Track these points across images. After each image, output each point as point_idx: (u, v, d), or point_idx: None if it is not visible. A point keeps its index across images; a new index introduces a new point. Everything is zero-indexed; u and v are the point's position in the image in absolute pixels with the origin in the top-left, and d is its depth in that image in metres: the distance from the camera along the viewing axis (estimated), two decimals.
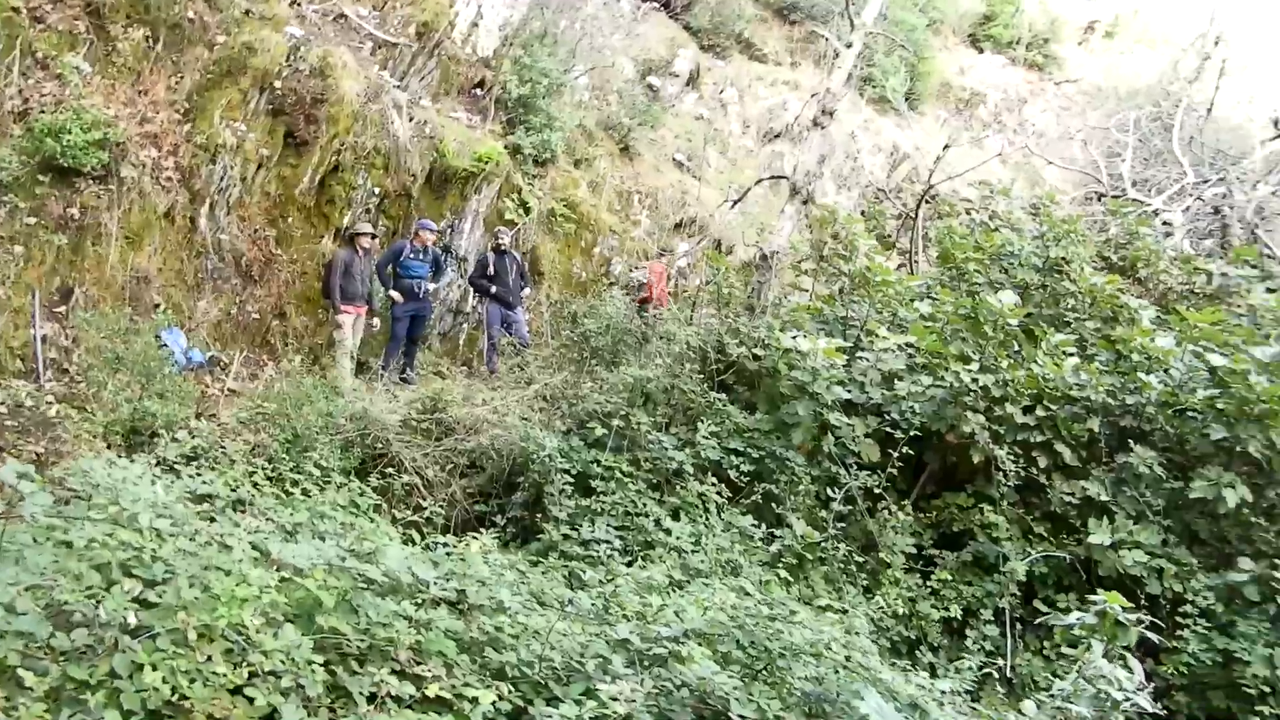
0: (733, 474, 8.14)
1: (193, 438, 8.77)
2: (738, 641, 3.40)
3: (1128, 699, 3.10)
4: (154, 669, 2.96)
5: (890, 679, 3.44)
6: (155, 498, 4.32)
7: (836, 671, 3.39)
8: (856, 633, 5.60)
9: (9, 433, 8.76)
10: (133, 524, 3.87)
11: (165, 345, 10.02)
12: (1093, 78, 25.95)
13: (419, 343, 11.70)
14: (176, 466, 6.67)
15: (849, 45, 10.19)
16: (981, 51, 25.14)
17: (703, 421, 8.37)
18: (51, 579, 3.34)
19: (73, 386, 9.75)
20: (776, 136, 17.86)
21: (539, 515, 8.05)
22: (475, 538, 6.89)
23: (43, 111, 10.39)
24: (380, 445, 8.70)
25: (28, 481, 3.23)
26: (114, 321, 9.34)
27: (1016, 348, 8.68)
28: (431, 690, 2.96)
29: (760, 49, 19.63)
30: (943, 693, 3.55)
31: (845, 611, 6.83)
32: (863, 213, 11.57)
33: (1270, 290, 10.27)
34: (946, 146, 10.43)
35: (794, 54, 20.12)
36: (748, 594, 4.31)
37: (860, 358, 8.62)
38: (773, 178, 12.65)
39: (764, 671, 3.33)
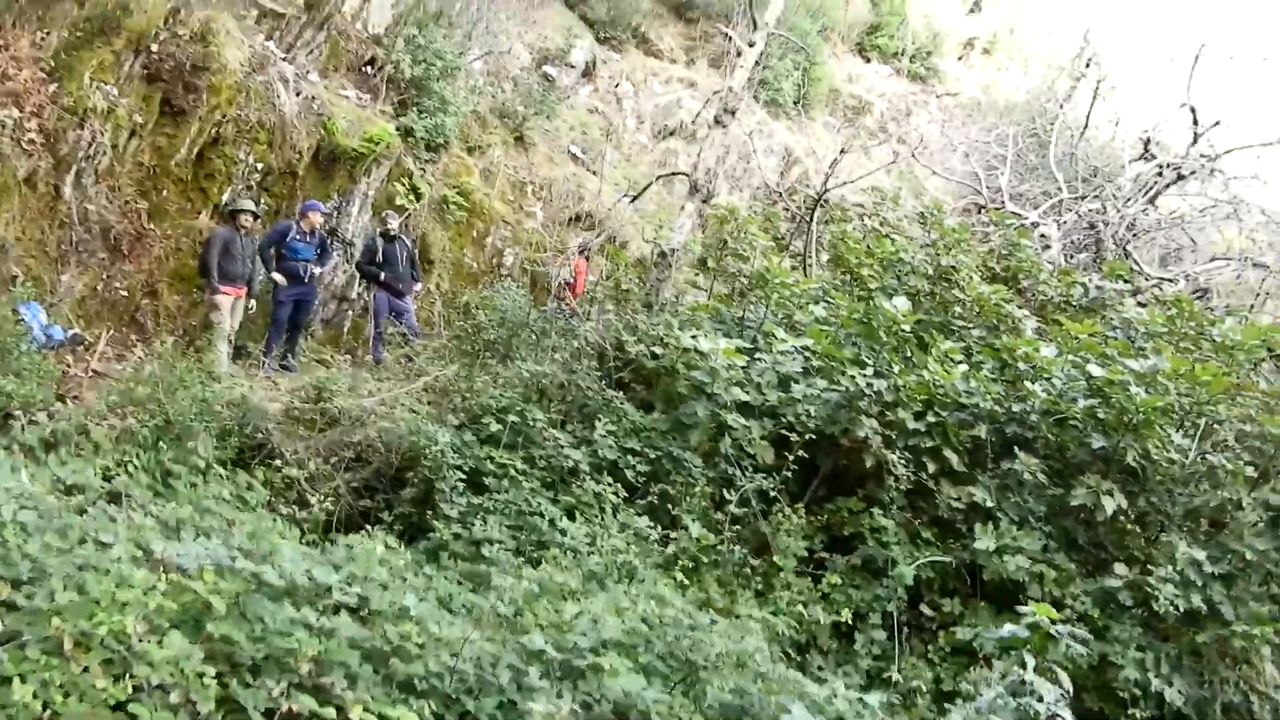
0: (629, 474, 8.02)
1: (52, 420, 8.20)
2: (657, 652, 3.27)
3: (1052, 713, 3.12)
4: (23, 681, 2.65)
5: (816, 692, 3.36)
6: (19, 487, 3.95)
7: (757, 682, 3.30)
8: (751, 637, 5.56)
9: None
10: None
11: (22, 320, 9.30)
12: (972, 92, 26.86)
13: (302, 329, 11.20)
14: (35, 452, 6.19)
15: (751, 45, 10.20)
16: (869, 61, 25.69)
17: (600, 419, 8.23)
18: None
19: None
20: (671, 134, 17.84)
21: (429, 512, 7.77)
22: (366, 535, 6.61)
23: None
24: (260, 435, 8.26)
25: None
26: None
27: (908, 354, 8.82)
28: (355, 713, 2.73)
29: (656, 45, 19.58)
30: (864, 704, 3.49)
31: (738, 616, 6.82)
32: (756, 214, 11.60)
33: (1140, 305, 10.75)
34: (843, 151, 10.56)
35: (690, 52, 20.14)
36: (664, 601, 4.19)
37: (757, 359, 8.62)
38: (673, 174, 12.58)
39: (683, 684, 3.21)
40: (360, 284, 12.47)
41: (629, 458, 8.17)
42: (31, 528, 3.54)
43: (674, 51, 19.83)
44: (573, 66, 17.30)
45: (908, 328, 8.66)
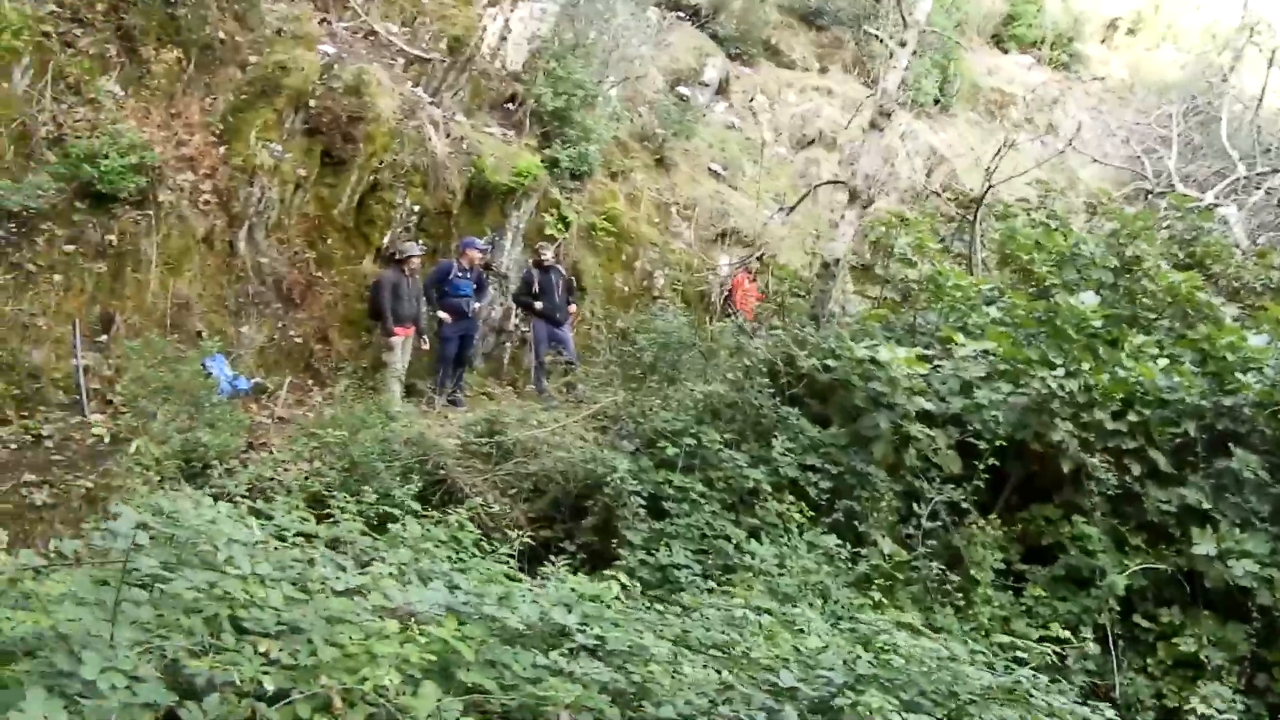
0: (811, 491, 7.78)
1: (246, 469, 8.51)
2: (921, 689, 3.05)
3: None
4: None
5: None
6: (248, 536, 4.01)
7: (1030, 715, 3.04)
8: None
9: (57, 467, 8.48)
10: (231, 569, 3.55)
11: (210, 373, 9.72)
12: (1119, 74, 25.59)
13: (466, 364, 11.39)
14: (241, 501, 6.35)
15: (903, 44, 9.88)
16: (1006, 52, 24.80)
17: (776, 437, 8.02)
18: (159, 635, 3.03)
19: (118, 417, 9.47)
20: (810, 143, 17.55)
21: (611, 540, 7.72)
22: (551, 565, 6.55)
23: (78, 137, 10.16)
24: (440, 471, 8.38)
25: (143, 532, 2.90)
26: (160, 349, 9.05)
27: (1099, 351, 8.31)
28: None
29: (788, 56, 19.35)
30: None
31: (940, 632, 6.48)
32: (918, 217, 11.19)
33: None
34: (1010, 145, 10.08)
35: (823, 59, 19.83)
36: (918, 631, 3.95)
37: (937, 366, 8.27)
38: (830, 182, 12.32)
39: None
40: (517, 315, 12.62)
41: (809, 475, 7.94)
42: (269, 579, 3.55)
43: (806, 60, 19.56)
44: (706, 85, 17.24)
45: (1098, 323, 8.16)
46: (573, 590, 3.57)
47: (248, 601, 3.40)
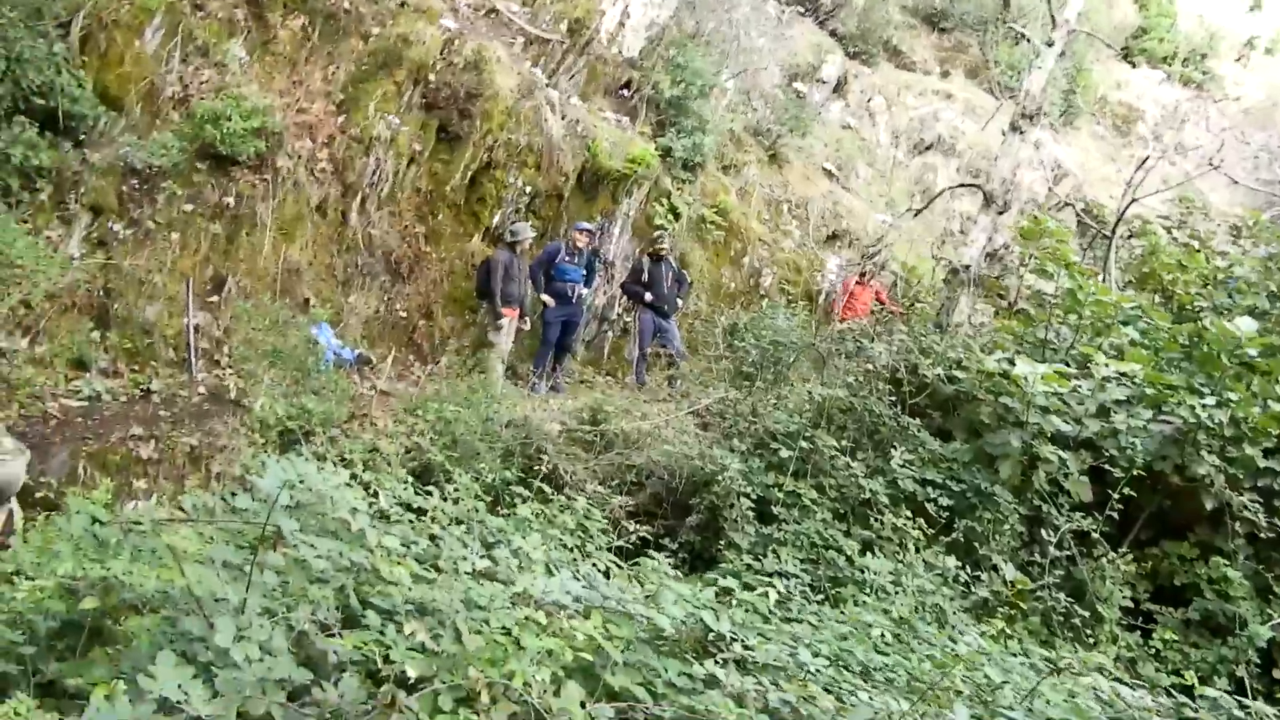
0: (930, 508, 7.36)
1: (347, 438, 8.41)
2: None
3: None
4: None
5: None
6: (369, 509, 3.81)
7: None
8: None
9: (163, 422, 8.50)
10: (359, 542, 3.34)
11: (316, 341, 9.68)
12: (1255, 95, 24.36)
13: (568, 350, 11.19)
14: (344, 470, 6.21)
15: (1049, 44, 9.35)
16: (1135, 66, 23.79)
17: (895, 448, 7.62)
18: (285, 604, 2.82)
19: (224, 378, 9.49)
20: (928, 148, 16.99)
21: (715, 541, 7.41)
22: (652, 560, 6.26)
23: (202, 99, 10.22)
24: (542, 456, 8.17)
25: (286, 494, 2.69)
26: (270, 314, 9.02)
27: (1252, 383, 7.72)
28: None
29: (909, 57, 18.79)
30: None
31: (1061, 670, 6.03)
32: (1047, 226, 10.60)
33: None
34: (1157, 158, 9.49)
35: (944, 63, 19.21)
36: (1103, 670, 3.58)
37: (1075, 386, 7.77)
38: (963, 186, 11.82)
39: None
40: (621, 305, 12.38)
41: (928, 490, 7.52)
42: (395, 554, 3.33)
43: (927, 63, 18.96)
44: (824, 82, 16.79)
45: (1253, 352, 7.57)
46: (724, 593, 3.27)
47: (373, 575, 3.19)
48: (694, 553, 7.57)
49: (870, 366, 7.93)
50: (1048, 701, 2.92)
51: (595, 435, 8.47)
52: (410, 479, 6.10)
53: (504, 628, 2.71)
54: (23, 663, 2.79)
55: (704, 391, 9.60)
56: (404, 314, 11.04)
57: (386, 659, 2.32)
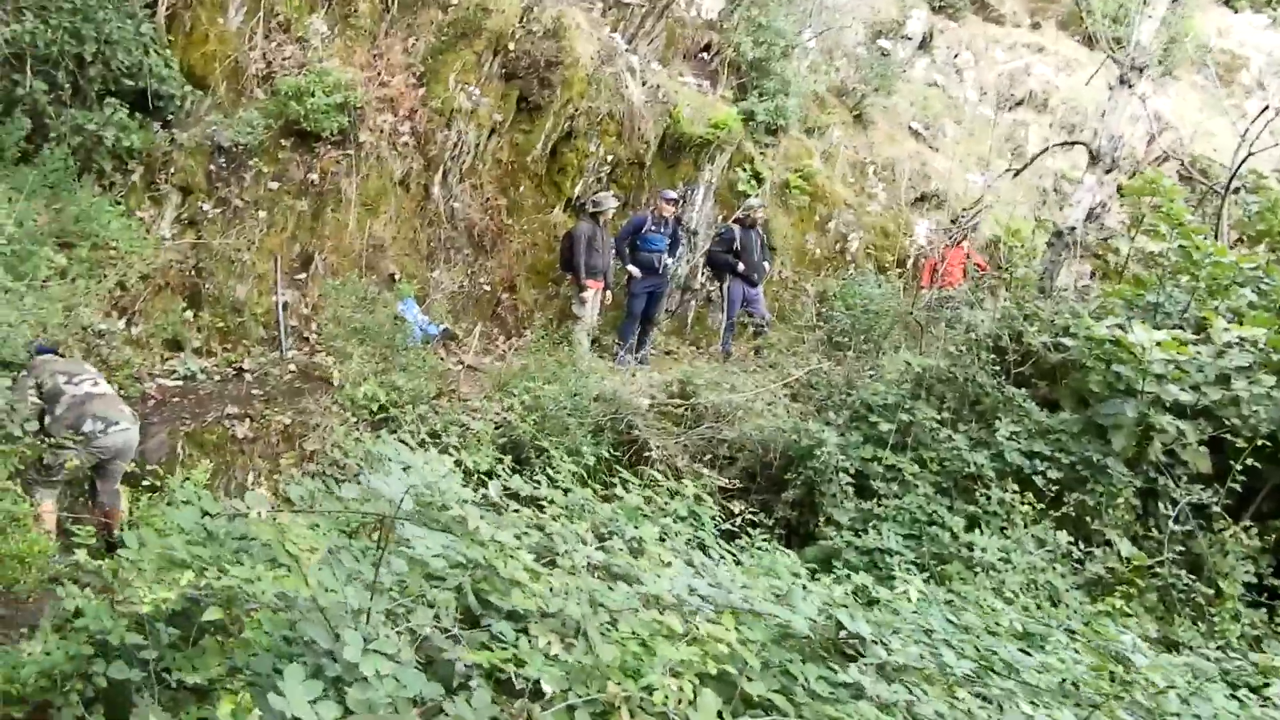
0: (1038, 481, 7.06)
1: (437, 415, 8.40)
2: None
3: None
4: None
5: None
6: (477, 498, 3.71)
7: None
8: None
9: (256, 401, 8.58)
10: (471, 536, 3.23)
11: (402, 317, 9.67)
12: None
13: (654, 321, 11.02)
14: (454, 455, 6.15)
15: None
16: (1237, 11, 22.55)
17: (999, 419, 7.32)
18: (403, 606, 2.72)
19: (313, 356, 9.55)
20: (1019, 104, 16.35)
21: (812, 517, 7.23)
22: (748, 539, 6.10)
23: (285, 75, 10.22)
24: (632, 431, 8.06)
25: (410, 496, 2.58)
26: (358, 290, 9.03)
27: None
28: None
29: (997, 10, 18.04)
30: None
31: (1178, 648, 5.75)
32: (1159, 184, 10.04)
33: None
34: (1265, 109, 8.85)
35: (1035, 14, 18.43)
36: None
37: (1196, 353, 7.36)
38: (1069, 144, 11.31)
39: None
40: (704, 273, 12.16)
41: (1036, 462, 7.22)
42: (509, 549, 3.21)
43: (1017, 16, 18.20)
44: (909, 39, 16.22)
45: None
46: (860, 589, 3.09)
47: (489, 572, 3.08)
48: (790, 528, 7.41)
49: (972, 334, 7.61)
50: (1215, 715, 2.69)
51: (685, 409, 8.31)
52: (502, 458, 6.04)
53: (633, 632, 2.57)
54: (146, 667, 2.73)
55: (792, 362, 9.37)
56: (487, 287, 10.99)
57: (519, 667, 2.20)
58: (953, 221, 12.78)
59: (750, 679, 2.54)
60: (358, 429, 7.91)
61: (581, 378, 8.55)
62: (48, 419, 6.02)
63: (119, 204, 9.06)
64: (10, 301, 4.95)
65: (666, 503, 4.00)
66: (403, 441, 7.29)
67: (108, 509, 6.40)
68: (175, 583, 2.35)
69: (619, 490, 4.61)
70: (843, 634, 2.90)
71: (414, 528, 2.93)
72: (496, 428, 8.10)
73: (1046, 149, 10.21)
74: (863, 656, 2.65)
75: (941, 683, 2.67)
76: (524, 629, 2.50)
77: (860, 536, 6.79)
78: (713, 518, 4.30)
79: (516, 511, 3.87)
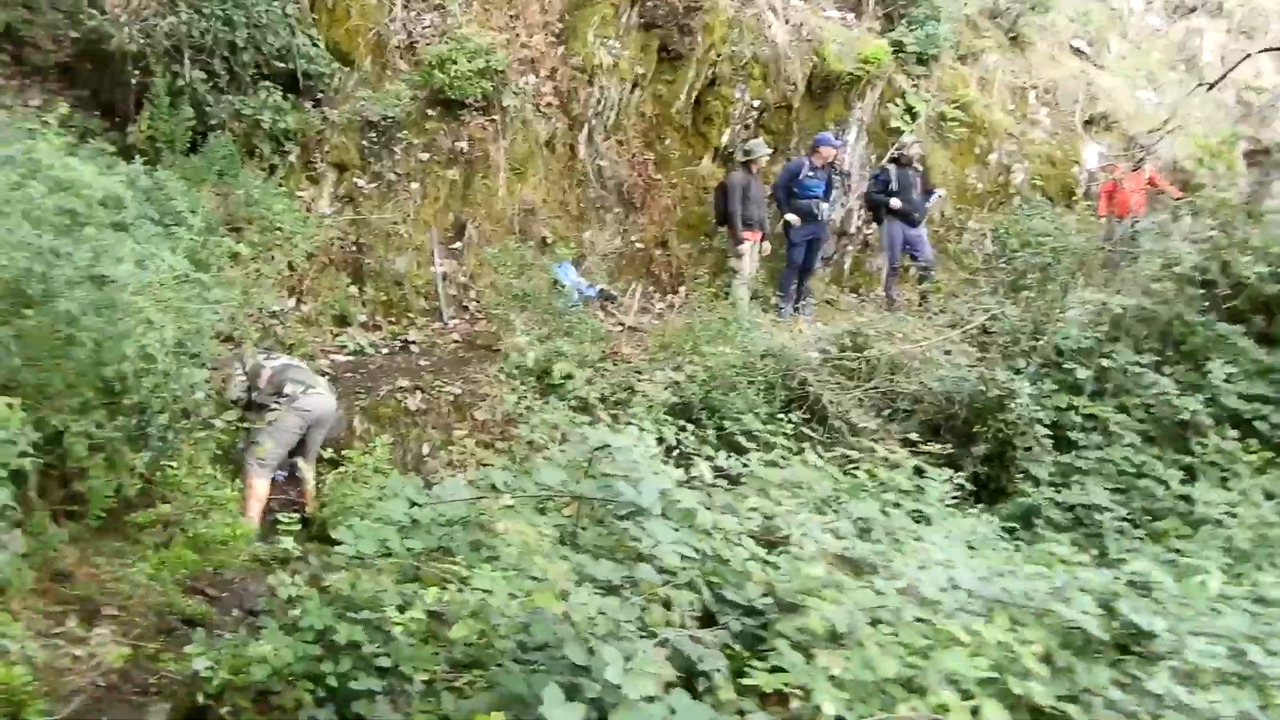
0: (1261, 426, 6.47)
1: (603, 378, 8.29)
2: None
3: None
4: None
5: None
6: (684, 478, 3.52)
7: None
8: None
9: (424, 372, 8.65)
10: (689, 521, 3.04)
11: (557, 281, 9.59)
12: None
13: (812, 270, 10.64)
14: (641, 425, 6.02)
15: None
16: None
17: (1211, 359, 6.73)
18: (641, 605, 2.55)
19: (474, 324, 9.58)
20: (1191, 10, 15.06)
21: (1005, 472, 6.83)
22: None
23: (428, 44, 10.19)
24: (805, 388, 7.76)
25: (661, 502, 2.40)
26: (517, 256, 8.97)
27: None
28: None
29: None
30: None
31: None
32: None
33: None
34: None
35: None
36: None
37: None
38: (1273, 49, 10.32)
39: None
40: (860, 216, 11.68)
41: (1257, 405, 6.61)
42: (731, 536, 3.01)
43: None
44: None
45: None
46: (1150, 576, 2.76)
47: (717, 563, 2.89)
48: (981, 484, 7.02)
49: (1172, 268, 7.00)
50: None
51: (860, 362, 7.96)
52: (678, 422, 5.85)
53: (893, 634, 2.33)
54: (379, 671, 2.65)
55: (965, 307, 8.89)
56: (639, 245, 10.80)
57: (803, 692, 1.99)
58: (1130, 144, 11.88)
59: (1034, 684, 2.27)
60: (526, 396, 7.87)
61: (745, 333, 8.30)
62: (253, 394, 6.26)
63: (280, 186, 9.22)
64: (199, 293, 5.02)
65: (889, 478, 3.71)
66: (575, 409, 7.21)
67: (303, 485, 6.56)
68: (417, 595, 2.23)
69: (810, 456, 4.37)
70: (1116, 625, 2.59)
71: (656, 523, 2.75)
72: (665, 388, 7.94)
73: (1246, 57, 9.30)
74: (1157, 656, 2.34)
75: (1250, 685, 2.34)
76: (770, 631, 2.28)
77: (1060, 492, 6.38)
78: (941, 498, 3.98)
79: (728, 490, 3.68)
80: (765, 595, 2.64)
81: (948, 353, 8.12)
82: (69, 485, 4.67)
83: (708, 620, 2.72)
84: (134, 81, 8.82)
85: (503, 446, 6.63)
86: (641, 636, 2.29)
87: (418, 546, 3.22)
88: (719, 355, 7.67)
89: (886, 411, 7.58)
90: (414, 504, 3.42)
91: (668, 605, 2.52)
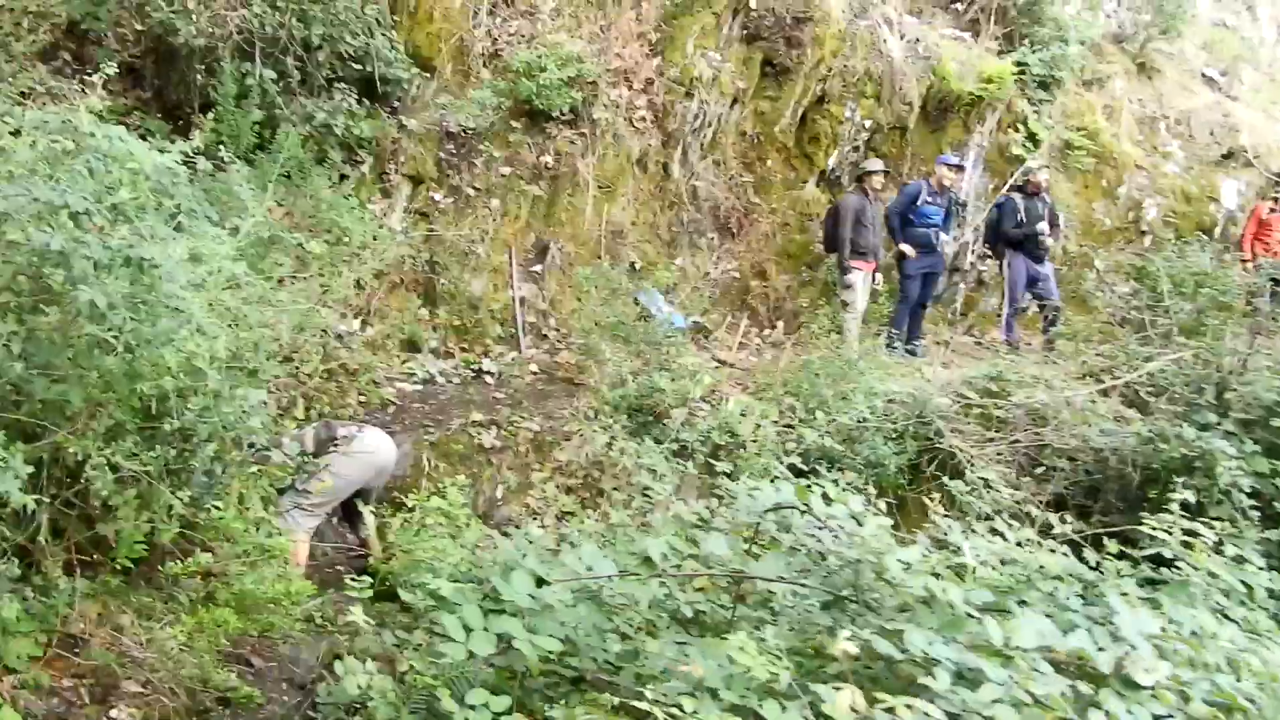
0: None
1: (702, 419, 7.34)
2: None
3: None
4: None
5: None
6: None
7: None
8: None
9: (500, 405, 7.76)
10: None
11: (649, 311, 8.68)
12: None
13: (926, 307, 9.59)
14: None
15: None
16: None
17: None
18: None
19: (554, 355, 8.69)
20: None
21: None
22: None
23: (514, 51, 9.42)
24: (939, 439, 6.74)
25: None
26: (610, 282, 8.08)
27: None
28: None
29: None
30: None
31: None
32: None
33: None
34: None
35: None
36: None
37: None
38: None
39: None
40: (975, 251, 10.64)
41: None
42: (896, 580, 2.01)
43: None
44: None
45: None
46: None
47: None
48: (1161, 562, 5.92)
49: None
50: None
51: (1001, 410, 6.93)
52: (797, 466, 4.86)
53: None
54: None
55: (1095, 352, 7.86)
56: (735, 274, 9.87)
57: None
58: (1274, 181, 10.77)
59: None
60: (616, 437, 6.94)
61: (872, 375, 7.31)
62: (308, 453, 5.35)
63: (350, 197, 8.44)
64: (260, 304, 4.16)
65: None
66: (675, 454, 6.22)
67: (364, 537, 5.66)
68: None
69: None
70: None
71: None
72: (777, 433, 6.96)
73: None
74: None
75: None
76: None
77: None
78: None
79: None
80: None
81: (1093, 403, 7.10)
82: (93, 527, 3.80)
83: None
84: (199, 80, 8.12)
85: (604, 495, 5.67)
86: None
87: (546, 647, 2.31)
88: (849, 402, 6.68)
89: (1038, 469, 6.53)
90: (541, 581, 2.51)
91: None
